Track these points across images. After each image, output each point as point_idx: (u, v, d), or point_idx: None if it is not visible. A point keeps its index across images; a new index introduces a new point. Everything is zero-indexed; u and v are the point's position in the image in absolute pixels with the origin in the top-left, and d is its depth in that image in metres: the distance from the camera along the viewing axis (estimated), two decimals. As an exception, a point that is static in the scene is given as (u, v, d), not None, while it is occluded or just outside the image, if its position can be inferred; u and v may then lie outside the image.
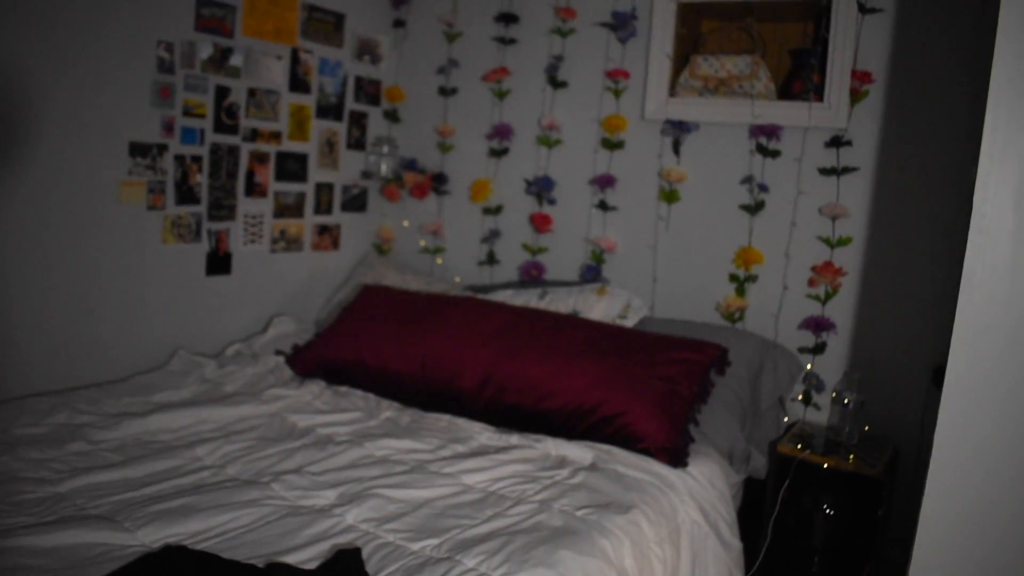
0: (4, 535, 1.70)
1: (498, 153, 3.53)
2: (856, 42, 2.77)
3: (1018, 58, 1.46)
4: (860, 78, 2.76)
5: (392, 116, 3.76)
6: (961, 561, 1.62)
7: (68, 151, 2.61)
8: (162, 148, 2.87)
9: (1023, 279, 1.51)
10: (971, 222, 1.53)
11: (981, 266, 1.53)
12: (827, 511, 2.58)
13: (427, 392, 2.74)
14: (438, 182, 3.68)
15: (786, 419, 2.96)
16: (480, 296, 3.17)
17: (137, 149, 2.80)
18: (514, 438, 2.45)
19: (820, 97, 2.84)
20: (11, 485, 1.95)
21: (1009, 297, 1.52)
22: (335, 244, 3.63)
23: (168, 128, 2.88)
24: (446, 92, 3.65)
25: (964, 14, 2.61)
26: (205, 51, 2.95)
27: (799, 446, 2.65)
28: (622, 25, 3.17)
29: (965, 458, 1.59)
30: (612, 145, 3.25)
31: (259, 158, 3.21)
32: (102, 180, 2.73)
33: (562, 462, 2.33)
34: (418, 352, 2.80)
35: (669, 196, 3.13)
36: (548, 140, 3.39)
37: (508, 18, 3.44)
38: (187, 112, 2.93)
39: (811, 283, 2.90)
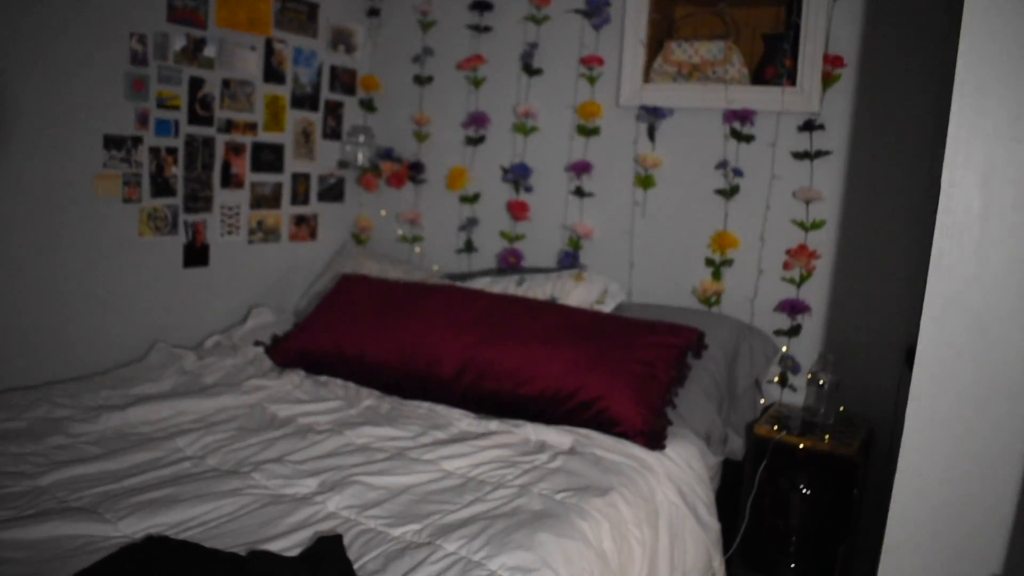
0: (-15, 529, 1.70)
1: (474, 141, 3.53)
2: (827, 27, 2.79)
3: (984, 40, 1.48)
4: (832, 62, 2.78)
5: (368, 105, 3.76)
6: (933, 537, 1.65)
7: (42, 145, 2.60)
8: (137, 140, 2.86)
9: (990, 259, 1.54)
10: (939, 203, 1.55)
11: (949, 246, 1.56)
12: (804, 491, 2.62)
13: (407, 380, 2.75)
14: (415, 171, 3.68)
15: (763, 401, 3.00)
16: (458, 284, 3.18)
17: (111, 142, 2.78)
18: (493, 424, 2.47)
19: (793, 82, 2.86)
20: (-9, 479, 1.95)
21: (976, 276, 1.54)
22: (312, 234, 3.63)
23: (142, 120, 2.86)
24: (422, 81, 3.65)
25: (933, -2, 2.65)
26: (178, 42, 2.93)
27: (775, 427, 2.68)
28: (596, 12, 3.18)
29: (934, 436, 1.62)
30: (587, 132, 3.26)
31: (235, 149, 3.20)
32: (77, 174, 2.71)
33: (541, 447, 2.35)
34: (397, 341, 2.81)
35: (645, 182, 3.15)
36: (524, 127, 3.40)
37: (483, 6, 3.44)
38: (161, 104, 2.91)
39: (786, 266, 2.93)
